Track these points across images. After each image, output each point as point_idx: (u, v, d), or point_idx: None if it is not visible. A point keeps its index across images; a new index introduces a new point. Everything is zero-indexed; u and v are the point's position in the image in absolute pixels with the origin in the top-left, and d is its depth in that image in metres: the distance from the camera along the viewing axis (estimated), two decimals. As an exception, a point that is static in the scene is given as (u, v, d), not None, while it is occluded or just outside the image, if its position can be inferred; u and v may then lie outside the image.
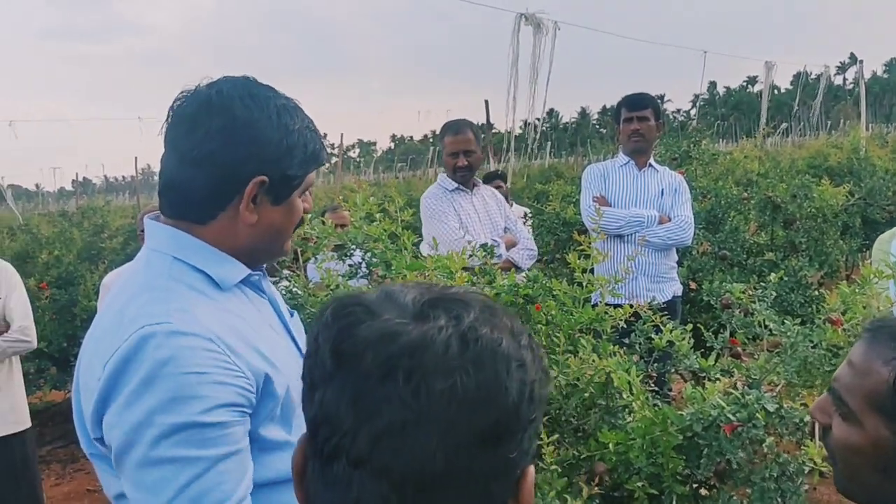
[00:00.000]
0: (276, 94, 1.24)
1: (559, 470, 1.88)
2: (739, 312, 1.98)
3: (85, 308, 5.35)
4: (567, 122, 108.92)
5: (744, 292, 1.97)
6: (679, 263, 4.13)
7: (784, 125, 27.60)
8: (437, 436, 0.63)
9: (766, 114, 11.92)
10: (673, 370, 2.06)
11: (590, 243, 2.14)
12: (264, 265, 1.37)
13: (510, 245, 3.70)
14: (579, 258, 2.13)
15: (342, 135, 15.39)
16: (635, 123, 3.95)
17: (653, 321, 2.07)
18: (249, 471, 1.12)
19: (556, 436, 1.93)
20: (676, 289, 3.93)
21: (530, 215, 5.27)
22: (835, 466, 1.12)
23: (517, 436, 0.67)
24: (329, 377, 0.66)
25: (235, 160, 1.18)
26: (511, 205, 6.18)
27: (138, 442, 1.04)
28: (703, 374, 1.89)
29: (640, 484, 1.82)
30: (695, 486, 1.93)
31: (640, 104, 4.01)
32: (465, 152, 3.72)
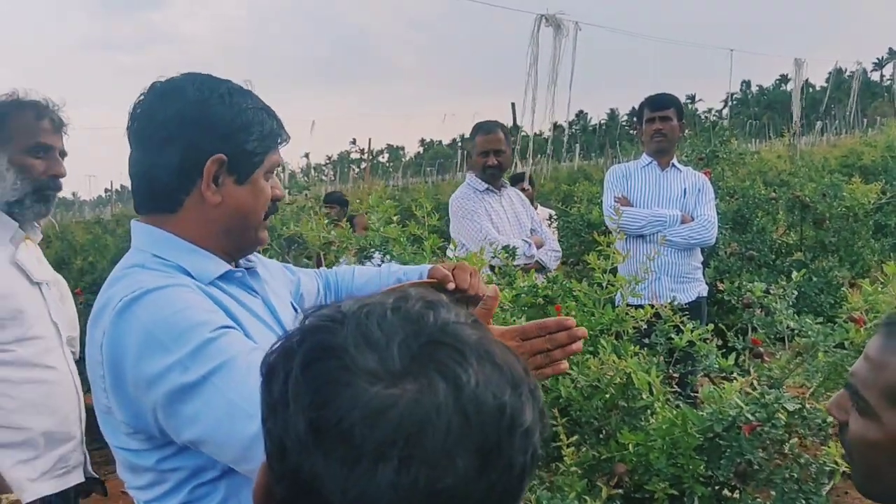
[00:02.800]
0: (230, 82, 1.27)
1: (579, 471, 1.88)
2: (760, 312, 1.97)
3: (118, 313, 5.44)
4: (596, 124, 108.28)
5: (765, 292, 1.95)
6: (706, 264, 4.10)
7: (819, 123, 27.10)
8: None
9: (799, 112, 11.72)
10: (701, 372, 2.05)
11: (609, 244, 2.13)
12: (254, 264, 1.38)
13: (538, 245, 3.72)
14: (599, 259, 2.12)
15: (370, 139, 15.49)
16: (658, 123, 3.94)
17: (673, 322, 2.06)
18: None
19: (576, 437, 1.93)
20: (702, 289, 3.90)
21: (555, 217, 5.26)
22: (852, 464, 1.11)
23: (518, 499, 0.62)
24: (306, 448, 0.59)
25: (192, 140, 1.20)
26: (536, 207, 6.18)
27: (169, 387, 1.07)
28: (724, 375, 1.88)
29: (661, 485, 1.81)
30: (717, 487, 1.91)
31: (662, 104, 4.00)
32: (495, 151, 3.78)
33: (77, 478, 2.13)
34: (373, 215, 2.19)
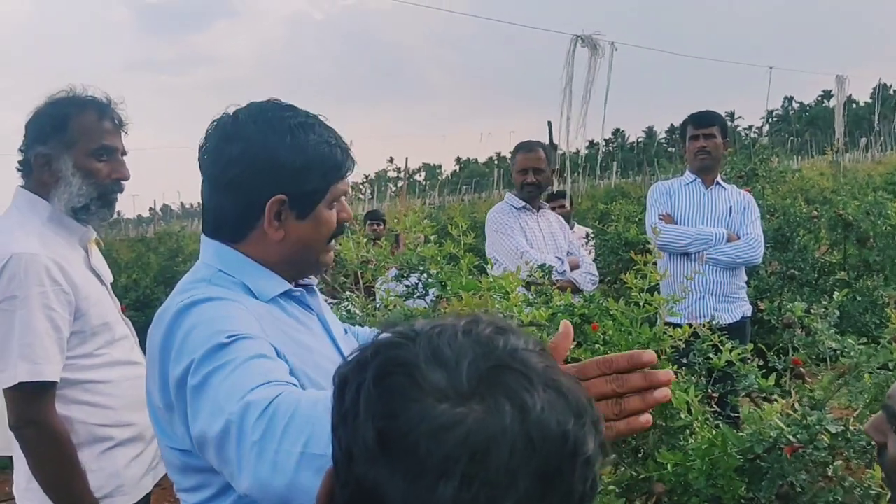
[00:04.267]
0: (294, 112, 1.30)
1: (616, 490, 1.87)
2: (801, 332, 1.94)
3: (161, 329, 5.56)
4: (633, 142, 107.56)
5: (806, 311, 1.92)
6: (746, 283, 4.05)
7: (863, 140, 26.56)
8: None
9: (842, 129, 11.51)
10: (742, 392, 2.02)
11: (645, 262, 2.13)
12: (313, 282, 1.43)
13: (574, 267, 3.71)
14: (637, 278, 2.12)
15: (406, 158, 15.62)
16: (702, 141, 3.92)
17: (711, 341, 2.04)
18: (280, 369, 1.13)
19: (614, 456, 1.92)
20: (746, 309, 3.85)
21: (593, 236, 5.25)
22: (891, 487, 1.09)
23: None
24: (372, 458, 0.60)
25: (255, 184, 1.25)
26: (573, 226, 6.17)
27: (189, 377, 1.10)
28: (765, 396, 1.86)
29: (700, 505, 1.79)
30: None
31: (706, 121, 3.97)
32: (534, 170, 3.81)
33: (162, 470, 2.17)
34: (409, 235, 2.22)
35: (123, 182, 2.08)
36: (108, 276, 2.16)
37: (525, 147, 3.93)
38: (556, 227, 3.94)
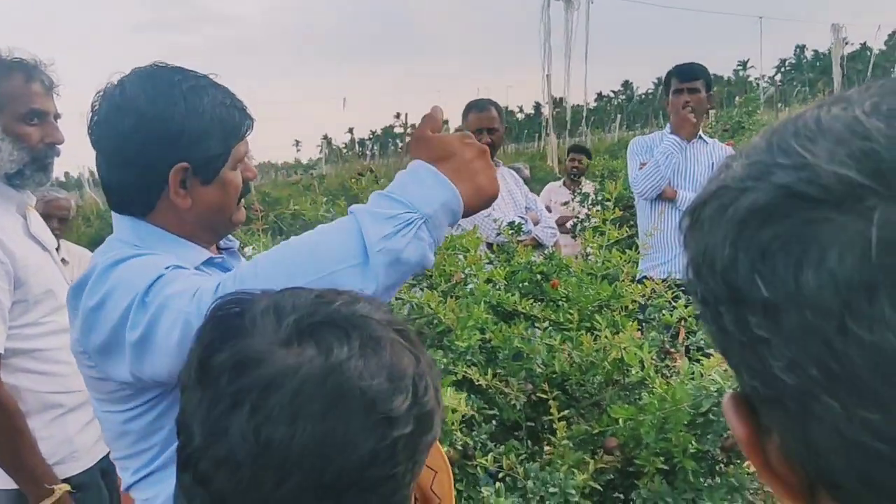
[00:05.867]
0: (184, 76, 1.26)
1: (571, 444, 1.91)
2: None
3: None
4: (642, 94, 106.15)
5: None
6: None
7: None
8: (270, 481, 0.61)
9: (840, 78, 11.32)
10: (694, 347, 2.04)
11: (605, 220, 2.13)
12: (234, 245, 1.43)
13: (535, 223, 3.71)
14: (595, 235, 2.12)
15: (407, 114, 15.52)
16: (685, 95, 3.86)
17: (667, 297, 2.05)
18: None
19: (568, 411, 1.95)
20: (725, 264, 3.85)
21: (599, 190, 5.18)
22: None
23: (367, 490, 0.63)
24: (191, 386, 0.66)
25: (154, 155, 1.22)
26: (582, 183, 6.11)
27: (133, 308, 1.11)
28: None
29: (651, 459, 1.83)
30: (710, 462, 1.92)
31: (690, 75, 3.91)
32: (488, 130, 3.73)
33: None
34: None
35: (58, 146, 2.02)
36: (52, 242, 2.14)
37: (476, 106, 3.81)
38: (513, 185, 3.91)
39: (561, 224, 4.88)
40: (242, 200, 1.35)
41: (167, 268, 1.14)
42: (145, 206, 1.27)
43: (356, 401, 0.62)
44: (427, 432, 0.67)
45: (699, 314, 0.43)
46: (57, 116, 2.03)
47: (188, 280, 1.11)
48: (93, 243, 6.50)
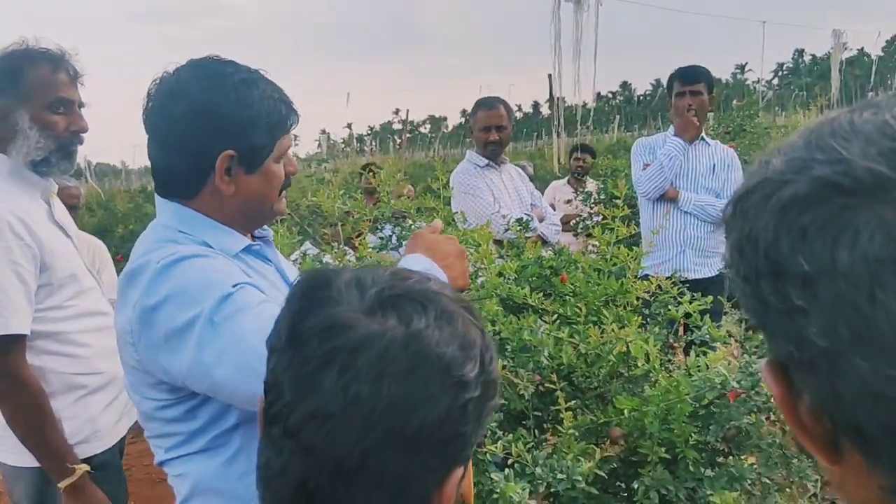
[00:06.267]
0: (236, 69, 1.32)
1: (577, 434, 1.97)
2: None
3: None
4: (640, 95, 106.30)
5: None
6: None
7: (871, 95, 26.22)
8: (356, 432, 0.67)
9: (838, 84, 11.42)
10: (698, 342, 2.10)
11: (615, 217, 2.19)
12: (269, 234, 1.49)
13: (539, 220, 3.78)
14: (604, 233, 2.19)
15: (408, 111, 15.55)
16: (688, 97, 3.93)
17: (672, 294, 2.12)
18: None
19: (574, 402, 2.02)
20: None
21: (601, 188, 5.24)
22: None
23: (440, 445, 0.70)
24: (281, 350, 0.72)
25: (202, 141, 1.28)
26: (585, 182, 6.18)
27: (191, 334, 1.17)
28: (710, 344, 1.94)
29: (654, 448, 1.89)
30: (711, 452, 1.98)
31: (693, 77, 3.97)
32: (496, 127, 3.80)
33: (136, 415, 2.28)
34: (383, 187, 2.28)
35: (82, 134, 2.07)
36: (73, 229, 2.19)
37: (486, 104, 3.87)
38: (518, 182, 3.98)
39: (565, 223, 4.95)
40: (284, 192, 1.41)
41: (235, 286, 1.19)
42: (190, 191, 1.33)
43: (434, 365, 0.69)
44: (491, 398, 0.74)
45: (739, 291, 0.49)
46: (81, 105, 2.09)
47: (260, 315, 1.15)
48: (96, 232, 6.53)
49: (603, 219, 2.39)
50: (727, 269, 0.51)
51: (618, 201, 2.22)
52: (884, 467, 0.43)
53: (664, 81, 4.58)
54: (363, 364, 0.67)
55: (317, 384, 0.68)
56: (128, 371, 1.33)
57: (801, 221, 0.43)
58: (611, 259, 2.20)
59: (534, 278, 2.24)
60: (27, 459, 1.98)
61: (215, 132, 1.28)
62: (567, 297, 2.25)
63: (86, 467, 2.00)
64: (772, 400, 1.72)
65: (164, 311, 1.19)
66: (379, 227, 2.33)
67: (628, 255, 2.17)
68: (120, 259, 6.16)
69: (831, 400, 0.43)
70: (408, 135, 17.05)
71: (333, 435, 0.67)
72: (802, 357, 0.44)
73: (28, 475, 2.02)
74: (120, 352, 1.32)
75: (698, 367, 1.77)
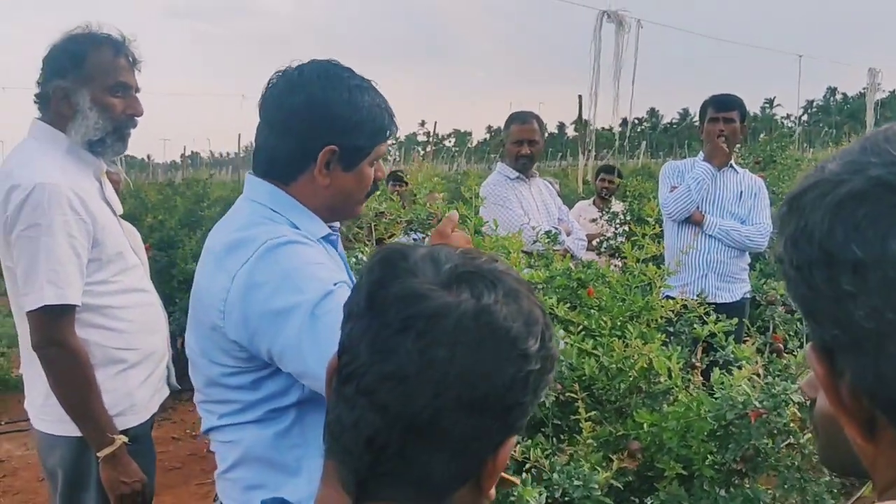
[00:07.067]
0: (352, 75, 1.43)
1: (595, 444, 2.00)
2: (782, 310, 2.03)
3: (182, 271, 5.73)
4: (667, 124, 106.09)
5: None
6: (752, 266, 4.13)
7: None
8: (429, 393, 0.72)
9: (872, 122, 11.38)
10: (720, 362, 2.13)
11: (644, 234, 2.22)
12: (337, 227, 1.57)
13: (566, 233, 3.82)
14: (633, 249, 2.22)
15: (435, 123, 15.68)
16: (721, 124, 3.97)
17: (698, 314, 2.14)
18: None
19: (594, 413, 2.04)
20: (747, 290, 3.94)
21: (627, 210, 5.27)
22: (817, 438, 1.19)
23: (502, 412, 0.75)
24: (359, 315, 0.77)
25: (311, 132, 1.39)
26: (611, 201, 6.21)
27: (291, 319, 1.25)
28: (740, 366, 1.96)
29: (671, 464, 1.91)
30: (728, 472, 2.00)
31: (727, 105, 4.02)
32: (529, 142, 3.89)
33: (166, 392, 2.33)
34: (419, 191, 2.33)
35: (137, 118, 2.17)
36: (119, 208, 2.27)
37: (519, 118, 3.98)
38: (547, 195, 4.05)
39: (588, 241, 4.98)
40: (368, 197, 1.51)
41: (336, 284, 1.28)
42: (288, 177, 1.43)
43: (502, 337, 0.74)
44: (549, 372, 0.79)
45: (789, 280, 0.54)
46: (137, 90, 2.18)
47: None
48: (127, 219, 6.61)
49: (631, 236, 2.43)
50: (779, 262, 0.56)
51: (650, 219, 2.25)
52: None
53: (692, 110, 4.63)
54: (439, 331, 0.72)
55: (394, 348, 0.73)
56: (202, 335, 1.39)
57: (856, 215, 0.48)
58: (638, 275, 2.23)
59: (561, 289, 2.28)
60: (65, 428, 2.04)
61: (325, 127, 1.38)
62: (593, 311, 2.28)
63: (124, 438, 2.06)
64: (792, 423, 1.74)
65: (266, 290, 1.28)
66: (413, 228, 2.38)
67: (656, 272, 2.20)
68: (148, 248, 6.26)
69: (874, 378, 0.48)
70: (433, 147, 17.15)
71: (408, 395, 0.72)
72: (848, 339, 0.49)
73: (65, 444, 2.08)
74: (197, 314, 1.40)
75: (721, 384, 1.79)
